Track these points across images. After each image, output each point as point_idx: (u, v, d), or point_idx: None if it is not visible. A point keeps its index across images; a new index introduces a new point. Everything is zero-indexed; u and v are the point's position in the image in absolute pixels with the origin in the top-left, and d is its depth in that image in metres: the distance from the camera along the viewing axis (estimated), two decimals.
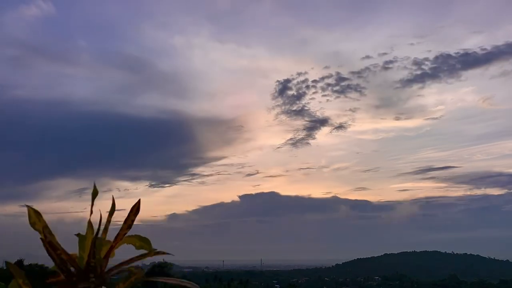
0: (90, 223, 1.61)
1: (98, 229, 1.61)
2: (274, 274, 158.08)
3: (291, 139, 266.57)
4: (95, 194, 1.63)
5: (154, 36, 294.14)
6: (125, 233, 1.67)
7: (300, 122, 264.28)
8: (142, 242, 1.64)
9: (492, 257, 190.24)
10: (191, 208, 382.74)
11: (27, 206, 1.54)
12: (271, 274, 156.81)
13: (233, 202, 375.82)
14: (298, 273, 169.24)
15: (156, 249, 1.64)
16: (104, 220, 1.66)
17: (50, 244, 1.51)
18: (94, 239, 1.56)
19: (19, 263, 56.84)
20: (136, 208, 1.66)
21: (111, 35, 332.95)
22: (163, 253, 1.68)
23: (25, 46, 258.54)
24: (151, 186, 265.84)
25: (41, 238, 1.53)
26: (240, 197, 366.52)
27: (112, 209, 1.65)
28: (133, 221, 1.67)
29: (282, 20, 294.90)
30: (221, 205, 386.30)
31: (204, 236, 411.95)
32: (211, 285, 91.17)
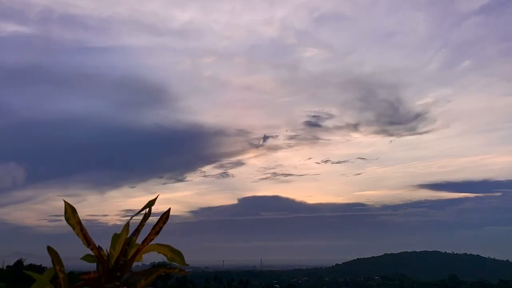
0: (127, 224, 1.63)
1: (135, 231, 1.63)
2: (274, 274, 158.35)
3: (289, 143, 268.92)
4: (151, 203, 1.66)
5: (161, 58, 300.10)
6: (152, 239, 1.66)
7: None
8: (174, 254, 1.62)
9: (492, 257, 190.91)
10: (191, 208, 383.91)
11: (64, 201, 1.57)
12: (271, 274, 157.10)
13: (234, 204, 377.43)
14: (298, 273, 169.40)
15: (188, 265, 1.61)
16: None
17: (85, 237, 1.57)
18: (129, 239, 1.60)
19: (20, 263, 56.89)
20: (165, 216, 1.63)
21: (124, 59, 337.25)
22: (185, 272, 1.69)
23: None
24: (153, 185, 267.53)
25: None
26: (239, 199, 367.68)
27: (148, 215, 1.64)
28: (161, 228, 1.67)
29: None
30: (221, 207, 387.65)
31: (204, 236, 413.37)
32: (211, 285, 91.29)
